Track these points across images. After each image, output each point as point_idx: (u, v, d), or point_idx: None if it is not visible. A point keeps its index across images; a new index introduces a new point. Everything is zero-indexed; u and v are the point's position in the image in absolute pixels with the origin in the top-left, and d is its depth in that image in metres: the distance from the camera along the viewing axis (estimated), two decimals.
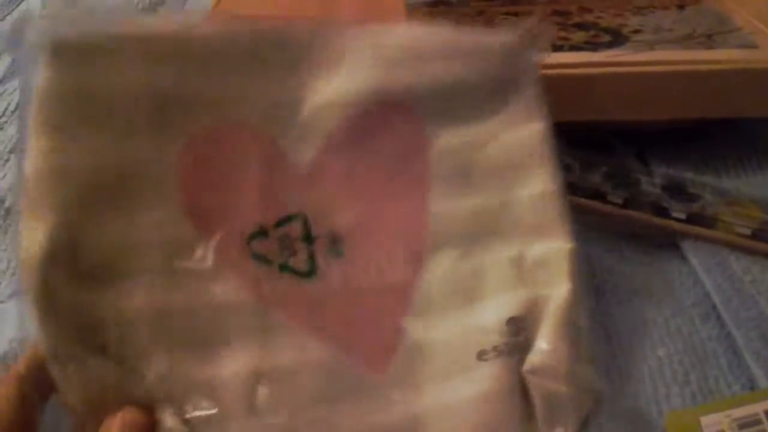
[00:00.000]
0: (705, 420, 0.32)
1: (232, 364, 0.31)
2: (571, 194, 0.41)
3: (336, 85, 0.34)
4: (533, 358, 0.32)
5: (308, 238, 0.34)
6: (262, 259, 0.33)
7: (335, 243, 0.34)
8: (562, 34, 0.48)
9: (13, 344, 0.36)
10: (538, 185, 0.35)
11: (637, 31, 0.48)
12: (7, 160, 0.49)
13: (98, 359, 0.29)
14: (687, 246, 0.41)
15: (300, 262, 0.33)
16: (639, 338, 0.37)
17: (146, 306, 0.30)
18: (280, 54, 0.34)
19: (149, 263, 0.31)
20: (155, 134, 0.32)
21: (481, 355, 0.32)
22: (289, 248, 0.33)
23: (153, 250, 0.31)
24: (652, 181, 0.44)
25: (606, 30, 0.48)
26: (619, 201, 0.42)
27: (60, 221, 0.29)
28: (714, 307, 0.38)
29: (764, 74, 0.44)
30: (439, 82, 0.35)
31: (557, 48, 0.46)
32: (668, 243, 0.42)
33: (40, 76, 0.30)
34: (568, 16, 0.51)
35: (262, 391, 0.30)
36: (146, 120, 0.31)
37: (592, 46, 0.46)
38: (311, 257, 0.34)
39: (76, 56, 0.30)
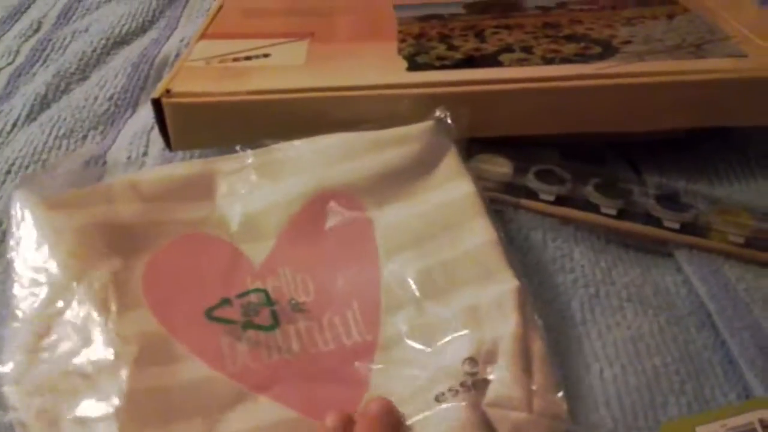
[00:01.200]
0: (701, 430, 0.32)
1: None
2: (564, 206, 0.42)
3: (279, 190, 0.40)
4: (491, 391, 0.32)
5: (269, 302, 0.37)
6: (226, 321, 0.36)
7: (296, 305, 0.37)
8: (553, 46, 0.48)
9: None
10: (479, 237, 0.38)
11: (627, 42, 0.48)
12: (3, 182, 0.49)
13: None
14: (681, 255, 0.41)
15: (263, 319, 0.36)
16: (634, 347, 0.37)
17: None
18: (221, 180, 0.41)
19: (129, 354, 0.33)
20: (123, 256, 0.37)
21: (438, 398, 0.32)
22: (252, 311, 0.36)
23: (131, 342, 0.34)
24: (645, 191, 0.44)
25: (596, 41, 0.49)
26: (613, 212, 0.42)
27: None
28: (709, 315, 0.38)
29: (754, 83, 0.44)
30: (370, 171, 0.41)
31: (548, 61, 0.46)
32: (662, 252, 0.42)
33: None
34: (558, 28, 0.51)
35: None
36: (116, 244, 0.37)
37: (583, 58, 0.46)
38: (273, 315, 0.36)
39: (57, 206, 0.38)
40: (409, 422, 0.32)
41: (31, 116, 0.56)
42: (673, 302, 0.39)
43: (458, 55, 0.47)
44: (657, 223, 0.42)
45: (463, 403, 0.32)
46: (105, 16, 0.70)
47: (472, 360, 0.33)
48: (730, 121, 0.46)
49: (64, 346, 0.33)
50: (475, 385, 0.33)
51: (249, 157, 0.42)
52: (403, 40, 0.50)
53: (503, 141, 0.44)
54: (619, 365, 0.36)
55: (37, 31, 0.68)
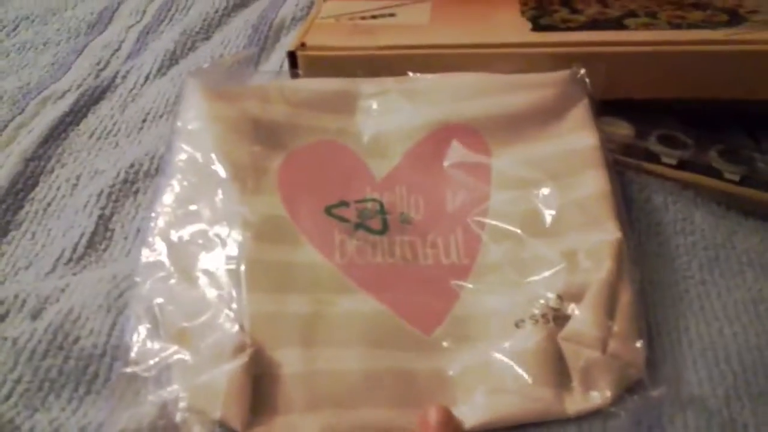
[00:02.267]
0: None
1: (295, 306, 0.36)
2: (686, 170, 0.43)
3: (411, 116, 0.44)
4: (569, 327, 0.34)
5: (383, 211, 0.40)
6: (341, 218, 0.40)
7: (406, 218, 0.40)
8: (679, 13, 0.48)
9: None
10: (593, 187, 0.39)
11: (754, 12, 0.48)
12: (141, 129, 0.52)
13: None
14: None
15: (374, 223, 0.40)
16: (755, 308, 0.37)
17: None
18: (362, 100, 0.45)
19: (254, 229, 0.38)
20: (266, 147, 0.42)
21: (518, 324, 0.34)
22: (367, 215, 0.40)
23: (257, 219, 0.39)
24: (765, 159, 0.44)
25: (723, 10, 0.48)
26: (736, 178, 0.42)
27: None
28: None
29: None
30: (501, 110, 0.43)
31: (675, 26, 0.46)
32: None
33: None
34: None
35: (318, 328, 0.35)
36: (261, 137, 0.42)
37: (711, 24, 0.46)
38: (384, 222, 0.40)
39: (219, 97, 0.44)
40: (487, 344, 0.35)
41: (161, 71, 0.59)
42: None
43: (582, 18, 0.48)
44: None
45: (541, 333, 0.34)
46: None
47: (558, 296, 0.35)
48: None
49: (204, 214, 0.38)
50: (556, 319, 0.34)
51: (390, 82, 0.45)
52: (525, 3, 0.51)
53: (625, 105, 0.45)
54: (739, 324, 0.37)
55: None
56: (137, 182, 0.47)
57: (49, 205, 0.46)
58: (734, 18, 0.47)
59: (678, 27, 0.46)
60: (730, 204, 0.42)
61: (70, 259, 0.42)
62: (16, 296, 0.38)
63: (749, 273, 0.39)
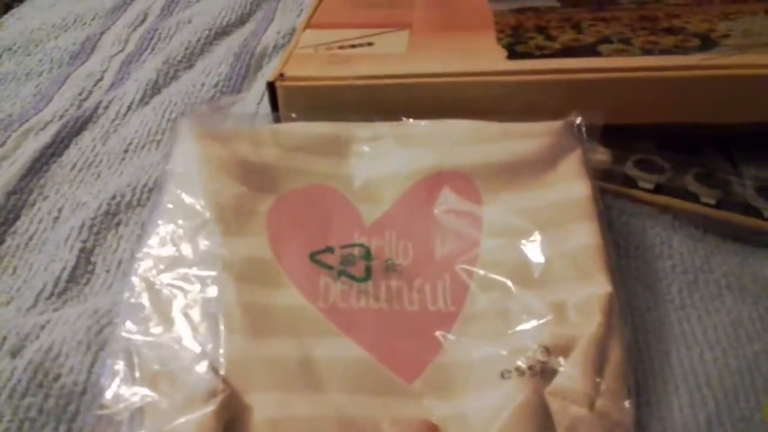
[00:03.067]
0: None
1: (285, 351, 0.35)
2: (663, 194, 0.43)
3: (404, 161, 0.43)
4: (556, 381, 0.33)
5: (368, 257, 0.40)
6: (324, 265, 0.39)
7: (392, 265, 0.40)
8: (652, 38, 0.49)
9: None
10: (584, 239, 0.39)
11: (726, 36, 0.49)
12: (122, 159, 0.53)
13: None
14: None
15: (357, 270, 0.39)
16: (734, 332, 0.37)
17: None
18: (356, 144, 0.45)
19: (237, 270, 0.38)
20: (256, 189, 0.42)
21: (504, 374, 0.33)
22: (350, 262, 0.40)
23: (241, 260, 0.38)
24: (744, 182, 0.44)
25: (695, 35, 0.49)
26: (712, 202, 0.43)
27: None
28: None
29: None
30: (492, 161, 0.42)
31: (647, 52, 0.47)
32: (760, 243, 0.42)
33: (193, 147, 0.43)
34: (655, 21, 0.52)
35: (296, 373, 0.34)
36: (251, 179, 0.42)
37: (682, 50, 0.47)
38: (368, 270, 0.39)
39: (210, 138, 0.44)
40: (470, 395, 0.34)
41: (144, 100, 0.59)
42: None
43: (557, 45, 0.49)
44: (757, 213, 0.42)
45: (527, 386, 0.33)
46: (206, 9, 0.73)
47: (546, 348, 0.34)
48: None
49: (186, 256, 0.39)
50: (543, 371, 0.33)
51: (385, 127, 0.45)
52: (500, 31, 0.52)
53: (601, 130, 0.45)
54: (719, 349, 0.37)
55: (143, 21, 0.73)
56: (119, 214, 0.47)
57: (30, 239, 0.46)
58: (706, 42, 0.48)
59: (650, 53, 0.46)
60: (707, 227, 0.43)
61: (51, 294, 0.41)
62: None
63: (728, 296, 0.39)
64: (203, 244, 0.39)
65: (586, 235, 0.39)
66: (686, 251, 0.42)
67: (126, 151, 0.53)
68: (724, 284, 0.40)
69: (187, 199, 0.41)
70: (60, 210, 0.48)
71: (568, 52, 0.48)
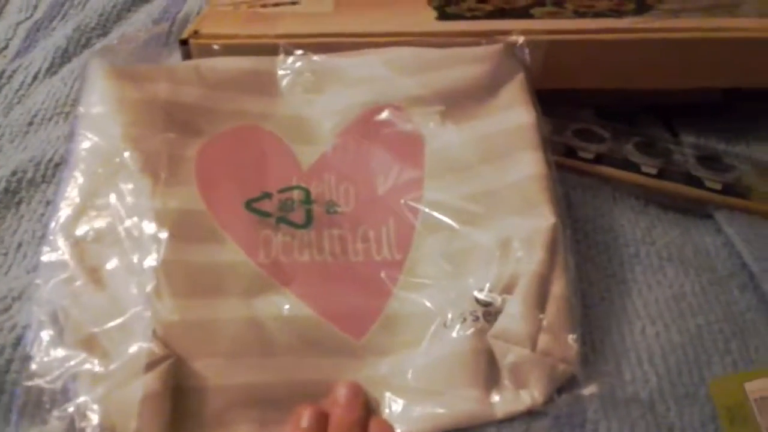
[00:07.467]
0: (749, 386, 0.32)
1: (227, 313, 0.33)
2: (603, 164, 0.41)
3: (339, 98, 0.41)
4: (499, 324, 0.32)
5: (308, 201, 0.37)
6: (262, 213, 0.36)
7: (332, 205, 0.38)
8: (587, 2, 0.47)
9: None
10: (527, 169, 0.37)
11: (661, 1, 0.47)
12: (26, 133, 0.48)
13: None
14: (721, 217, 0.40)
15: (297, 217, 0.37)
16: (676, 306, 0.36)
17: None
18: (284, 78, 0.41)
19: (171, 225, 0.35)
20: (181, 133, 0.38)
21: (447, 323, 0.33)
22: (289, 207, 0.37)
23: (173, 214, 0.35)
24: (685, 151, 0.43)
25: None
26: (653, 171, 0.41)
27: None
28: (752, 277, 0.38)
29: None
30: (434, 87, 0.40)
31: (581, 15, 0.45)
32: (701, 213, 0.41)
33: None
34: None
35: (242, 336, 0.32)
36: (174, 122, 0.38)
37: (617, 13, 0.45)
38: (308, 214, 0.37)
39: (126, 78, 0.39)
40: (417, 346, 0.33)
41: (52, 69, 0.54)
42: (714, 263, 0.39)
43: (489, 8, 0.47)
44: (698, 183, 0.41)
45: (470, 332, 0.32)
46: None
47: (488, 291, 0.33)
48: (766, 83, 0.45)
49: (113, 208, 0.35)
50: (485, 316, 0.33)
51: (315, 59, 0.42)
52: None
53: (541, 99, 0.43)
54: (661, 323, 0.36)
55: None
56: (20, 192, 0.43)
57: None
58: (641, 6, 0.46)
59: (584, 16, 0.45)
60: (648, 198, 0.41)
61: None
62: None
63: (669, 269, 0.38)
64: (130, 195, 0.35)
65: (530, 164, 0.37)
66: (627, 223, 0.40)
67: (30, 123, 0.49)
68: (666, 256, 0.39)
69: (106, 145, 0.37)
70: None
71: (499, 14, 0.46)
